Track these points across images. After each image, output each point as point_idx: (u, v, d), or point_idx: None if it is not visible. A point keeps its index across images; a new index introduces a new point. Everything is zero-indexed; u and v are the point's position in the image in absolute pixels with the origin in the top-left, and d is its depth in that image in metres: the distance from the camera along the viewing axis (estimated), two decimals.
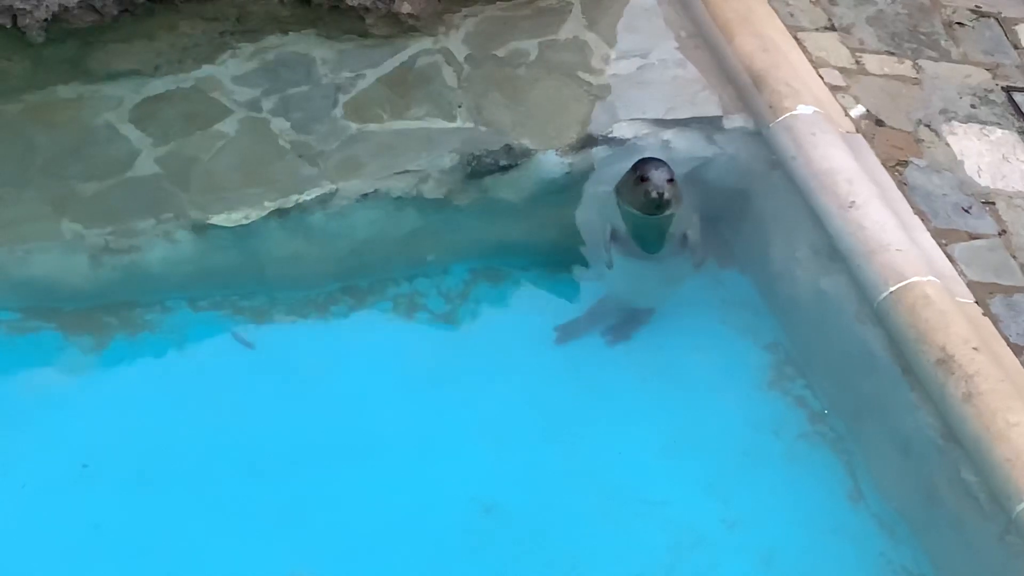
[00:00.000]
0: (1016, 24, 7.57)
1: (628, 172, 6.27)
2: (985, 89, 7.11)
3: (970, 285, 6.00)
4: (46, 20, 6.32)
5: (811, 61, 6.94)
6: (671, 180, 6.13)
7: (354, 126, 6.54)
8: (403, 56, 6.83)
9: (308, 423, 6.05)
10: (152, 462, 5.85)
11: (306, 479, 5.86)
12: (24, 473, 5.73)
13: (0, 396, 6.00)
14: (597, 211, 6.52)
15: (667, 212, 6.19)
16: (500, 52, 6.93)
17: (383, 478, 5.88)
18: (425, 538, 5.67)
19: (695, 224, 6.42)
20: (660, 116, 6.66)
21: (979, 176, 6.61)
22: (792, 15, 7.22)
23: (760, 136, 6.62)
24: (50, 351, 6.17)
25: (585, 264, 6.74)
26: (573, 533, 5.76)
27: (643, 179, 6.12)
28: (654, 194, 6.08)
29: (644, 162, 6.23)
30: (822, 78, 6.87)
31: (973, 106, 6.99)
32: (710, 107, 6.74)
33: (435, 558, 5.62)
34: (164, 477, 5.80)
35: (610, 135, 6.58)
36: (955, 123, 6.87)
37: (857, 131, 6.63)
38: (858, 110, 6.77)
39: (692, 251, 6.44)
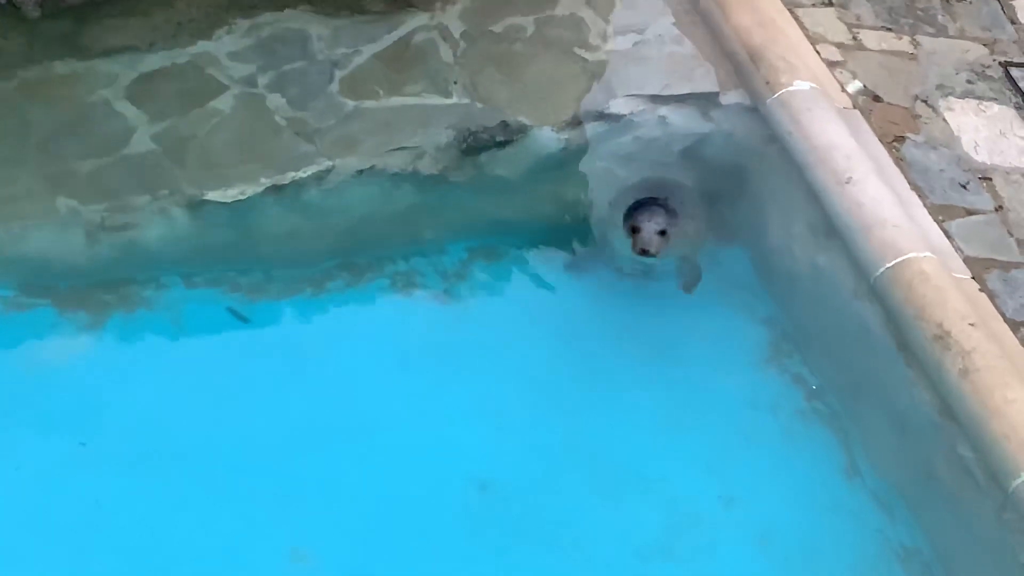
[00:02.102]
0: None
1: (626, 203, 6.42)
2: (982, 64, 7.09)
3: (967, 261, 5.99)
4: None
5: (808, 37, 6.92)
6: (663, 232, 6.23)
7: (350, 103, 6.53)
8: (399, 32, 6.82)
9: (305, 400, 6.05)
10: (150, 439, 5.84)
11: (304, 456, 5.86)
12: (22, 451, 5.73)
13: None
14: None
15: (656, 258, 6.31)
16: (496, 28, 6.91)
17: (380, 455, 5.87)
18: (422, 516, 5.68)
19: (698, 247, 6.46)
20: (657, 92, 6.65)
21: (976, 152, 6.60)
22: None
23: (757, 112, 6.60)
24: (46, 328, 6.16)
25: (582, 241, 6.74)
26: (570, 511, 5.76)
27: (635, 229, 6.26)
28: (638, 250, 6.23)
29: (640, 209, 6.34)
30: (819, 54, 6.85)
31: (970, 81, 6.98)
32: (707, 83, 6.73)
33: (432, 536, 5.62)
34: (162, 454, 5.80)
35: (607, 111, 6.57)
36: (952, 99, 6.86)
37: (854, 107, 6.61)
38: (855, 86, 6.75)
39: (683, 274, 6.48)
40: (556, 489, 5.83)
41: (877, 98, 6.73)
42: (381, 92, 6.59)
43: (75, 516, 5.55)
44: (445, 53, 6.76)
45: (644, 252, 6.19)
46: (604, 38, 6.89)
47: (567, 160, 6.59)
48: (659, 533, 5.72)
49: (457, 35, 6.84)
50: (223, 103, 6.48)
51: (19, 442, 5.77)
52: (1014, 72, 7.07)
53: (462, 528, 5.72)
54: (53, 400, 5.90)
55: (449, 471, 5.86)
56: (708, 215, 6.69)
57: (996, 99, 6.91)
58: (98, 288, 6.25)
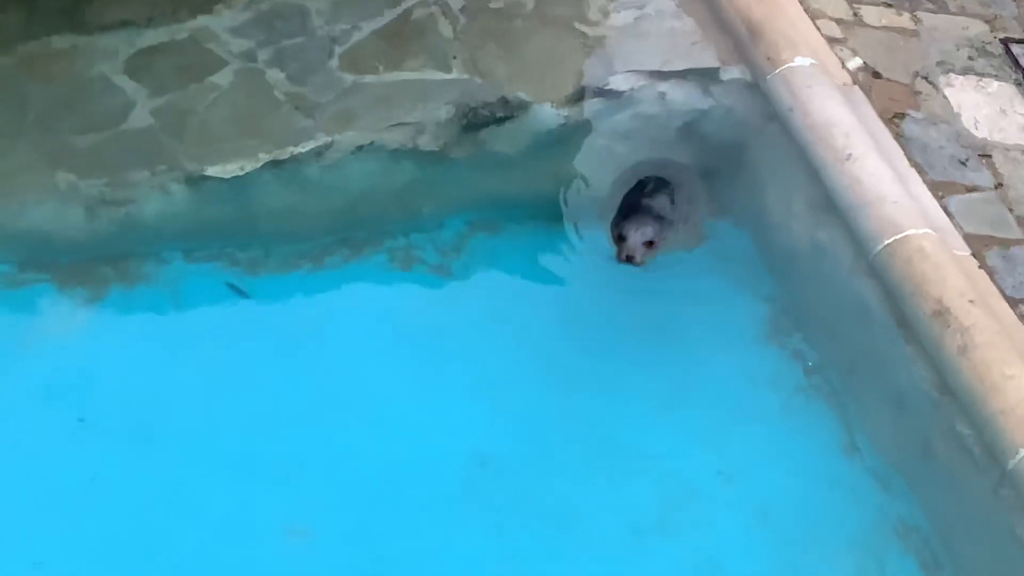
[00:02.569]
0: None
1: (628, 183, 6.52)
2: (983, 41, 7.09)
3: (966, 238, 5.99)
4: None
5: (808, 12, 6.91)
6: (651, 243, 6.25)
7: (350, 78, 6.52)
8: (399, 8, 6.81)
9: (303, 375, 6.05)
10: (148, 415, 5.84)
11: (301, 431, 5.87)
12: (21, 426, 5.73)
13: None
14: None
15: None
16: (496, 3, 6.90)
17: (378, 431, 5.88)
18: (421, 492, 5.68)
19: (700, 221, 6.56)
20: (657, 68, 6.64)
21: (976, 128, 6.60)
22: None
23: (757, 88, 6.60)
24: (46, 304, 6.16)
25: (580, 216, 6.73)
26: (568, 486, 5.77)
27: (621, 238, 6.28)
28: (623, 258, 6.27)
29: (629, 217, 6.35)
30: (819, 30, 6.85)
31: (971, 58, 6.97)
32: (707, 59, 6.71)
33: (431, 511, 5.63)
34: (160, 430, 5.80)
35: (606, 87, 6.56)
36: (952, 75, 6.85)
37: (854, 83, 6.61)
38: (855, 62, 6.74)
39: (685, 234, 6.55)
40: (554, 465, 5.84)
41: (877, 74, 6.72)
42: (381, 67, 6.57)
43: (73, 491, 5.55)
44: (445, 29, 6.75)
45: (629, 260, 6.22)
46: (604, 13, 6.88)
47: (567, 136, 6.58)
48: (656, 509, 5.73)
49: (457, 10, 6.83)
50: (222, 78, 6.47)
51: (18, 417, 5.78)
52: (1015, 49, 7.07)
53: (460, 504, 5.72)
54: (52, 375, 5.90)
55: (448, 447, 5.87)
56: (710, 193, 6.69)
57: (996, 76, 6.91)
58: (97, 263, 6.25)
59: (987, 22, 7.21)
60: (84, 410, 5.80)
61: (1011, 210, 6.21)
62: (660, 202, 6.52)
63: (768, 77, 6.49)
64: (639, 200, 6.54)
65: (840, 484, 5.89)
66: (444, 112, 6.41)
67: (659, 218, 6.32)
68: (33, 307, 6.12)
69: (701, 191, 6.66)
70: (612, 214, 6.55)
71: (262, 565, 5.43)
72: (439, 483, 5.74)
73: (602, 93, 6.56)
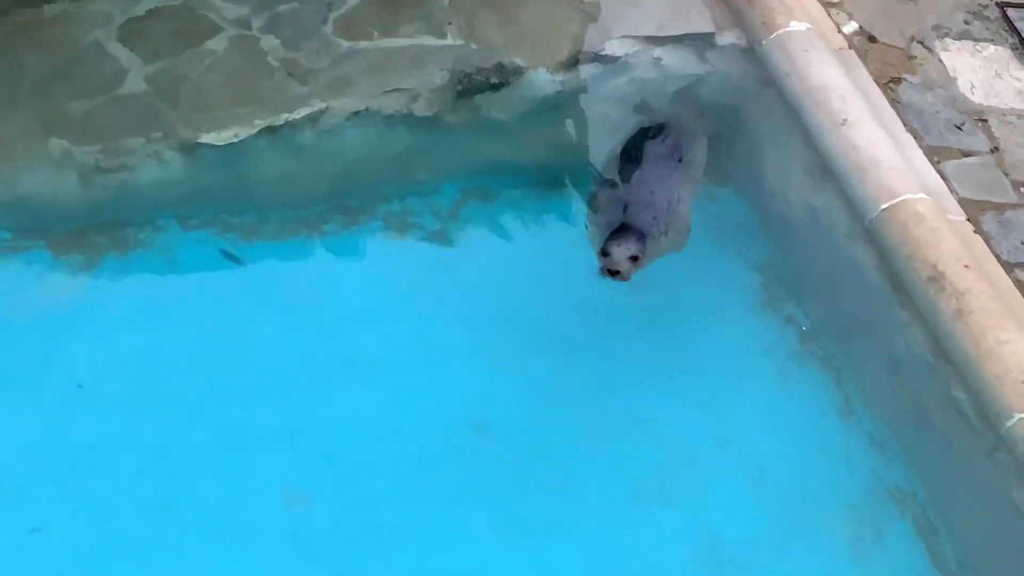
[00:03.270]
0: None
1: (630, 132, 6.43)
2: (979, 4, 7.07)
3: (962, 202, 5.99)
4: None
5: None
6: (635, 257, 6.03)
7: (344, 44, 6.50)
8: None
9: (299, 342, 6.06)
10: (145, 381, 5.86)
11: (297, 398, 5.88)
12: (18, 394, 5.74)
13: None
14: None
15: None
16: None
17: (374, 397, 5.89)
18: (417, 458, 5.70)
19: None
20: (652, 33, 6.62)
21: (972, 93, 6.59)
22: None
23: (752, 53, 6.58)
24: (41, 271, 6.16)
25: (575, 183, 6.73)
26: (565, 452, 5.79)
27: (604, 253, 6.07)
28: (604, 273, 6.06)
29: (616, 232, 6.14)
30: None
31: (967, 22, 6.96)
32: (702, 24, 6.70)
33: (428, 478, 5.65)
34: (157, 396, 5.82)
35: (602, 52, 6.54)
36: (948, 39, 6.84)
37: (850, 48, 6.59)
38: (851, 26, 6.73)
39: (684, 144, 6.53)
40: (551, 431, 5.85)
41: (873, 39, 6.71)
42: (375, 33, 6.55)
43: (71, 457, 5.56)
44: None
45: (614, 275, 6.03)
46: None
47: (562, 102, 6.57)
48: (653, 474, 5.75)
49: None
50: (217, 44, 6.45)
51: (16, 384, 5.79)
52: (1011, 13, 7.05)
53: (458, 470, 5.73)
54: (49, 342, 5.91)
55: (444, 413, 5.89)
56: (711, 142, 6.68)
57: (992, 40, 6.89)
58: (92, 230, 6.24)
59: None
60: (82, 376, 5.80)
61: (1007, 174, 6.20)
62: (665, 147, 6.50)
63: (763, 42, 6.48)
64: (641, 145, 6.51)
65: (835, 449, 5.91)
66: (439, 78, 6.39)
67: (641, 234, 6.12)
68: (28, 274, 6.12)
69: (703, 140, 6.60)
70: (613, 167, 6.55)
71: (260, 531, 5.45)
72: (436, 449, 5.76)
73: (598, 58, 6.54)
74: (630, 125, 6.65)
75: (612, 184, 6.41)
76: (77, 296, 6.11)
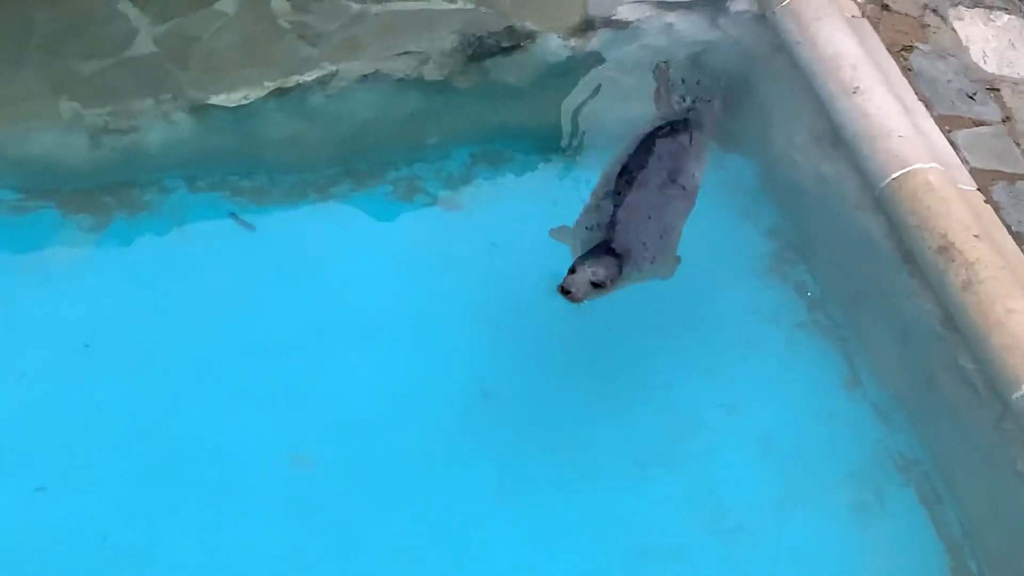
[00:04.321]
0: None
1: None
2: None
3: (973, 172, 5.97)
4: None
5: None
6: (599, 284, 5.40)
7: (354, 6, 6.49)
8: None
9: (306, 305, 6.06)
10: (153, 342, 5.87)
11: (305, 360, 5.89)
12: (26, 353, 5.76)
13: (1, 274, 6.01)
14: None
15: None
16: None
17: (382, 360, 5.90)
18: (424, 423, 5.72)
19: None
20: None
21: (984, 62, 6.55)
22: None
23: (764, 20, 6.56)
24: (50, 231, 6.17)
25: (585, 149, 6.71)
26: (571, 417, 5.80)
27: (572, 269, 5.42)
28: (560, 290, 5.38)
29: (594, 252, 5.53)
30: None
31: None
32: None
33: (434, 442, 5.66)
34: (164, 357, 5.83)
35: (613, 17, 6.53)
36: (962, 8, 6.80)
37: (862, 15, 6.56)
38: None
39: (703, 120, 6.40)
40: (557, 396, 5.86)
41: (886, 7, 6.68)
42: None
43: (77, 416, 5.58)
44: None
45: (566, 293, 5.35)
46: None
47: (573, 67, 6.55)
48: (658, 440, 5.75)
49: None
50: (227, 5, 6.45)
51: (23, 344, 5.81)
52: None
53: (464, 435, 5.74)
54: (57, 302, 5.93)
55: (452, 378, 5.89)
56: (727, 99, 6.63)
57: (1006, 9, 6.85)
58: (101, 191, 6.25)
59: None
60: (89, 336, 5.82)
61: (1018, 144, 6.17)
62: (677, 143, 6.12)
63: (776, 8, 6.45)
64: (647, 157, 6.00)
65: (841, 417, 5.90)
66: (449, 41, 6.38)
67: (619, 261, 5.52)
68: (37, 234, 6.13)
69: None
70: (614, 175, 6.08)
71: (266, 492, 5.47)
72: (443, 412, 5.77)
73: (609, 23, 6.53)
74: (639, 117, 6.59)
75: (610, 195, 5.84)
76: (85, 256, 6.13)
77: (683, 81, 6.47)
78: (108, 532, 5.34)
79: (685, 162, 6.02)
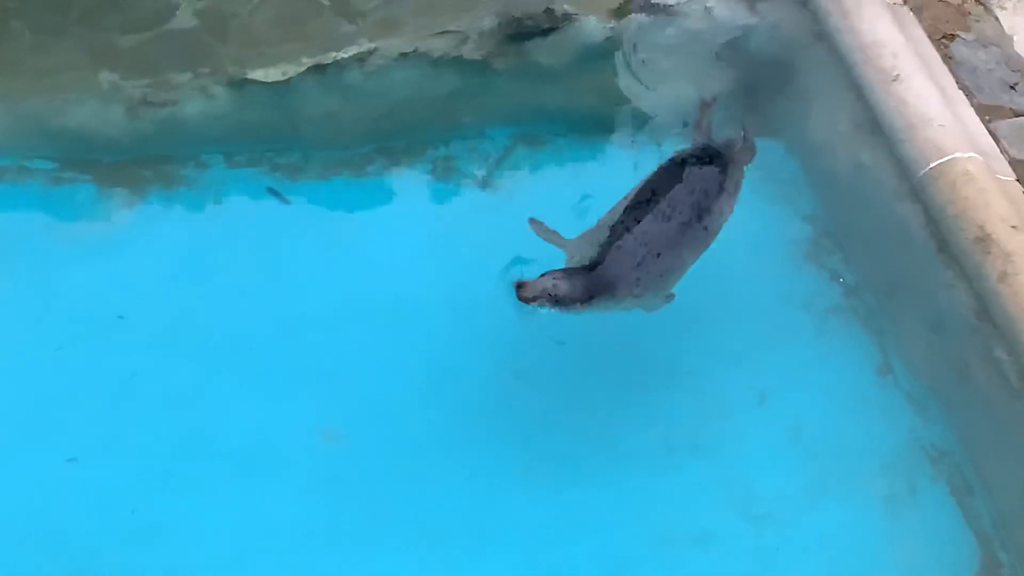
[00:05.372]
0: None
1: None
2: None
3: (1012, 163, 5.92)
4: None
5: None
6: (554, 301, 5.19)
7: None
8: None
9: (340, 281, 6.09)
10: (186, 315, 5.92)
11: (338, 337, 5.92)
12: (61, 324, 5.80)
13: (38, 246, 6.07)
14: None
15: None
16: None
17: (413, 339, 5.92)
18: (454, 401, 5.74)
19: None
20: None
21: None
22: None
23: (805, 5, 6.52)
24: (87, 203, 6.21)
25: (622, 132, 6.70)
26: (601, 400, 5.79)
27: (541, 274, 5.26)
28: (518, 295, 5.20)
29: (572, 270, 5.34)
30: None
31: None
32: None
33: (463, 421, 5.69)
34: (197, 330, 5.88)
35: (652, 1, 6.49)
36: None
37: (904, 3, 6.51)
38: None
39: (739, 148, 6.28)
40: (587, 378, 5.86)
41: None
42: None
43: (110, 387, 5.64)
44: None
45: (518, 290, 5.18)
46: None
47: (611, 50, 6.53)
48: (689, 425, 5.74)
49: None
50: None
51: (58, 315, 5.85)
52: None
53: (494, 413, 5.76)
54: (92, 273, 5.97)
55: (483, 357, 5.91)
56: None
57: None
58: (138, 164, 6.28)
59: None
60: (123, 308, 5.84)
61: None
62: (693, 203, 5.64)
63: None
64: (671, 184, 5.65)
65: (873, 406, 5.87)
66: (488, 22, 6.37)
67: (592, 292, 5.27)
68: (74, 205, 6.18)
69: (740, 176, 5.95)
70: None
71: (294, 467, 5.50)
72: (473, 393, 5.79)
73: (648, 7, 6.51)
74: (677, 102, 6.56)
75: (630, 214, 5.53)
76: (121, 229, 6.16)
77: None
78: (138, 504, 5.38)
79: (715, 202, 5.67)
